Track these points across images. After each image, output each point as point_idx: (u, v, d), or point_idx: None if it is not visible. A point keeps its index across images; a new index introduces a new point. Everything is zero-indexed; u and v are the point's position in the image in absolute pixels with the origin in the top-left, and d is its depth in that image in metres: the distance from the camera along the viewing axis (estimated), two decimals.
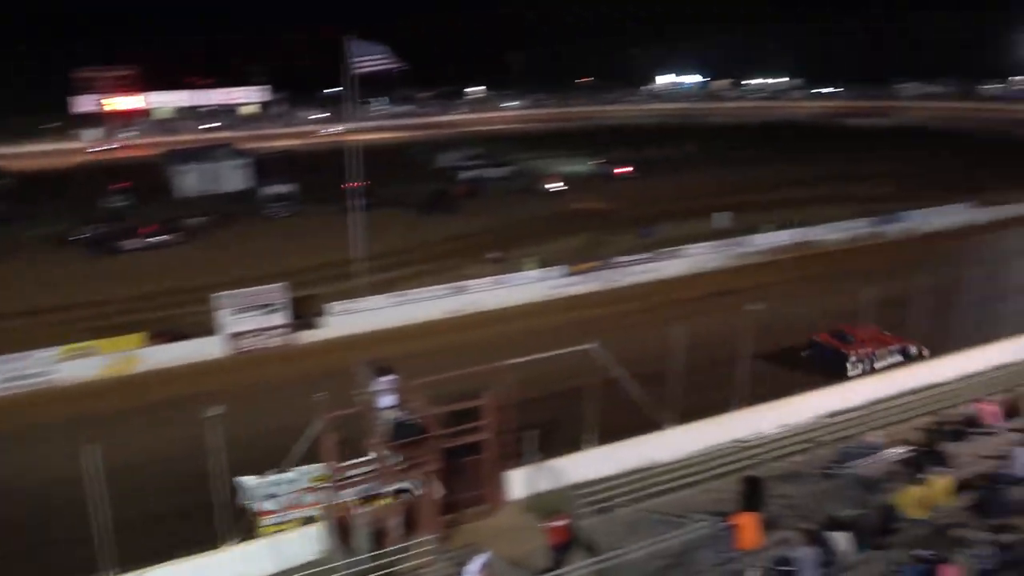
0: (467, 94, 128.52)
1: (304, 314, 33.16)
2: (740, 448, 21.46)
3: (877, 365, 26.78)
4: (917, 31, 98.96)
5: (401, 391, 17.93)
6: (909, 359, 27.09)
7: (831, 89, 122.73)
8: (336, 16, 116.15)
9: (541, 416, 20.87)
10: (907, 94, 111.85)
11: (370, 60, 30.87)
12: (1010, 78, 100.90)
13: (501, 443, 18.51)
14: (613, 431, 20.58)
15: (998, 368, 26.46)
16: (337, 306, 33.41)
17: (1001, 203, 49.14)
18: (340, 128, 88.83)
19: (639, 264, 38.77)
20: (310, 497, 17.95)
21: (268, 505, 17.89)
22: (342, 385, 18.97)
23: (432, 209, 54.20)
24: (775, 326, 27.42)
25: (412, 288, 35.64)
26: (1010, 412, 21.98)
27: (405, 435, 17.12)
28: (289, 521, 17.79)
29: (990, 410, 21.75)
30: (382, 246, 41.54)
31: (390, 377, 18.03)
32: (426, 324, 33.72)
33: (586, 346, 19.57)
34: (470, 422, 17.95)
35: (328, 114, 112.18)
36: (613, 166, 65.72)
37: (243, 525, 17.34)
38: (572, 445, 20.49)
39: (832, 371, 26.09)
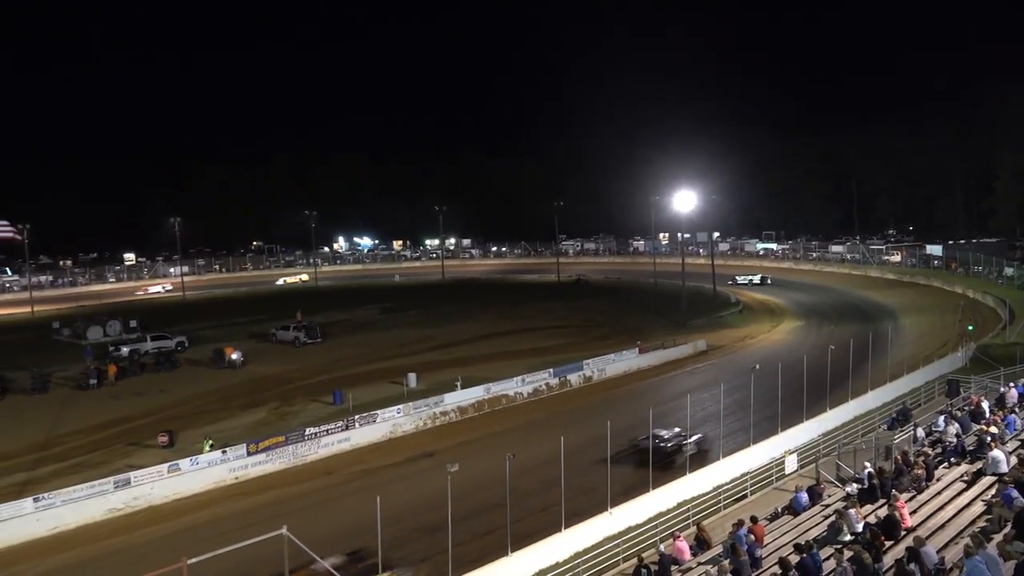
0: (122, 260, 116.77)
1: None
2: None
3: None
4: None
5: None
6: None
7: (504, 248, 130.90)
8: None
9: None
10: (569, 250, 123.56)
11: None
12: (660, 235, 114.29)
13: None
14: None
15: (680, 504, 27.45)
16: None
17: (658, 347, 54.44)
18: None
19: (331, 435, 36.30)
20: None
21: None
22: None
23: (86, 389, 47.47)
24: (474, 485, 26.59)
25: (59, 488, 29.46)
26: (702, 544, 22.68)
27: None
28: None
29: (682, 546, 22.24)
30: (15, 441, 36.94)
31: None
32: (81, 529, 28.16)
33: (274, 532, 16.91)
34: None
35: None
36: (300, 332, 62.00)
37: None
38: None
39: None
